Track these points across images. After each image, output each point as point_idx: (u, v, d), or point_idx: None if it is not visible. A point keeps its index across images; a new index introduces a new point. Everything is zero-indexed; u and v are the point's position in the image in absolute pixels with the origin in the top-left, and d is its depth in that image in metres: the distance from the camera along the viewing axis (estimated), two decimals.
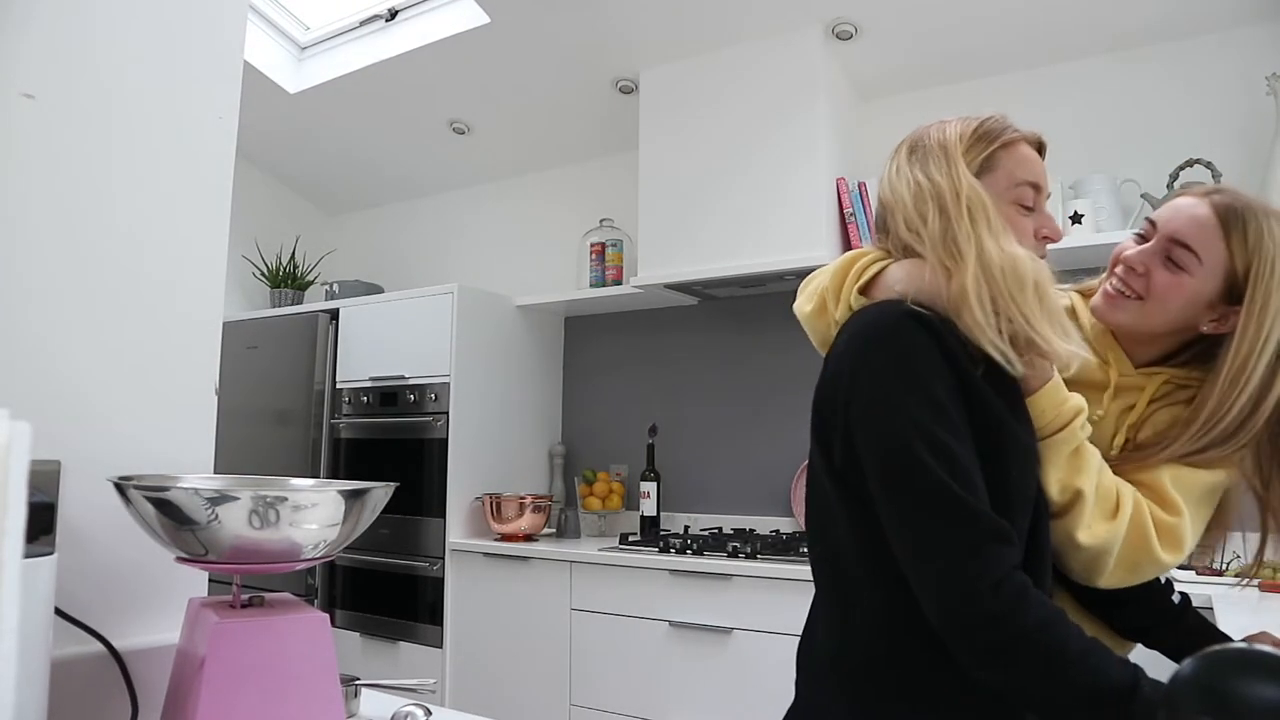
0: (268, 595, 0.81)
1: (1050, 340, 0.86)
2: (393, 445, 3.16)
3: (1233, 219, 0.98)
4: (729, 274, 2.67)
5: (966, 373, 0.85)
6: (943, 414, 0.82)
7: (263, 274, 3.90)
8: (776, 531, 2.80)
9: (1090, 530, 0.94)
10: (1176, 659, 1.07)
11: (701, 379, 3.15)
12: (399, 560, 3.06)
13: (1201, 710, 0.66)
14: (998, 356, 0.85)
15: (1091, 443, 0.98)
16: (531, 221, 3.67)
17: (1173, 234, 1.01)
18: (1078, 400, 0.95)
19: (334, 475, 3.31)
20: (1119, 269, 1.06)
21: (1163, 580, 1.10)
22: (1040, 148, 1.00)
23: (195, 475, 0.88)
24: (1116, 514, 0.95)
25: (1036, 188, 0.96)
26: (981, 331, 0.85)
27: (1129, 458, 1.04)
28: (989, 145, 0.96)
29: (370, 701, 1.05)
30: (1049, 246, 0.99)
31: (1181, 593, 1.13)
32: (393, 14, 3.12)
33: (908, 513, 0.81)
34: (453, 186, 3.92)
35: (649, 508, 2.96)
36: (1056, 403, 0.94)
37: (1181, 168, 2.24)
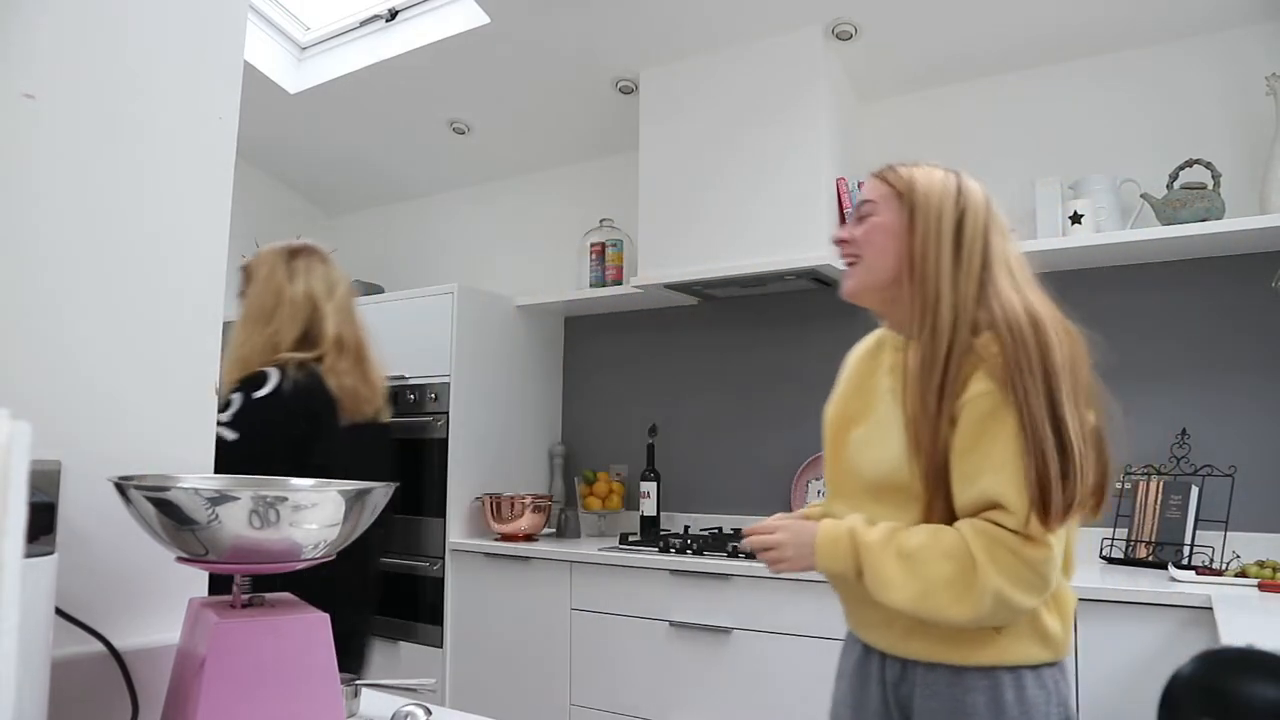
0: (268, 595, 0.81)
1: None
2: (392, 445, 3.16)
3: (884, 169, 1.23)
4: (729, 274, 2.67)
5: None
6: None
7: None
8: None
9: (962, 605, 1.02)
10: None
11: (701, 379, 3.15)
12: (399, 560, 3.06)
13: (1202, 711, 0.66)
14: None
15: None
16: (531, 221, 3.66)
17: (857, 204, 1.25)
18: (842, 551, 1.12)
19: None
20: (840, 253, 1.25)
21: None
22: None
23: (195, 475, 0.88)
24: (975, 570, 1.01)
25: None
26: None
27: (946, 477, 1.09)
28: None
29: (370, 701, 1.05)
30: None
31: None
32: (393, 14, 3.12)
33: None
34: (453, 186, 3.92)
35: (649, 508, 2.95)
36: (826, 564, 1.14)
37: (1181, 168, 2.24)
